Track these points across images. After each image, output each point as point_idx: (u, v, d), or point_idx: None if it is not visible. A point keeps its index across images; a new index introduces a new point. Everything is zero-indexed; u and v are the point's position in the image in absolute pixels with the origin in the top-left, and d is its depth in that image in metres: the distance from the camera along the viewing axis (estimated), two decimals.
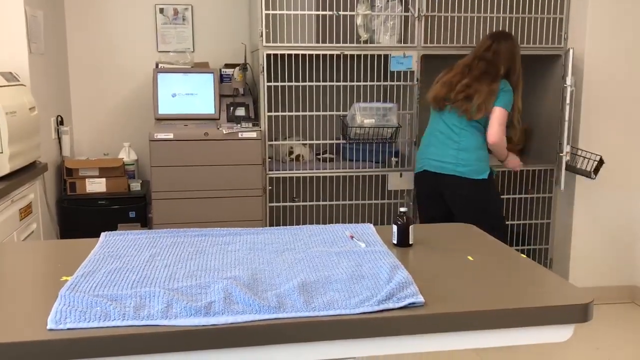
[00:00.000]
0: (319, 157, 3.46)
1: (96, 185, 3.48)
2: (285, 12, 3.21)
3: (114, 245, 1.58)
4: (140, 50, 3.88)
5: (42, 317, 1.14)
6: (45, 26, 3.35)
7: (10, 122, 2.55)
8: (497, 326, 1.23)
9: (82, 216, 3.44)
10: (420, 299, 1.24)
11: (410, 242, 1.62)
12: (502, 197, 3.61)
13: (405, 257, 1.56)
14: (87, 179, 3.47)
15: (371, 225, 1.80)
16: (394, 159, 3.38)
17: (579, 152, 3.37)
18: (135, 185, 3.57)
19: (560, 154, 3.42)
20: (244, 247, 1.58)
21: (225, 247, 1.58)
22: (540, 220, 3.62)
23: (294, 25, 3.23)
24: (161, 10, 3.87)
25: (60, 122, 3.58)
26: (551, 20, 3.42)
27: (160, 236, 1.66)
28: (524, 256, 1.58)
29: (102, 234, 1.68)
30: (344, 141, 3.36)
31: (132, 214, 3.47)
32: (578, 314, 1.25)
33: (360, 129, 3.25)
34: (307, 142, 3.41)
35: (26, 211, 2.78)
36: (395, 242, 1.62)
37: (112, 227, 3.40)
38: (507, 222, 3.69)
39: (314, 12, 3.29)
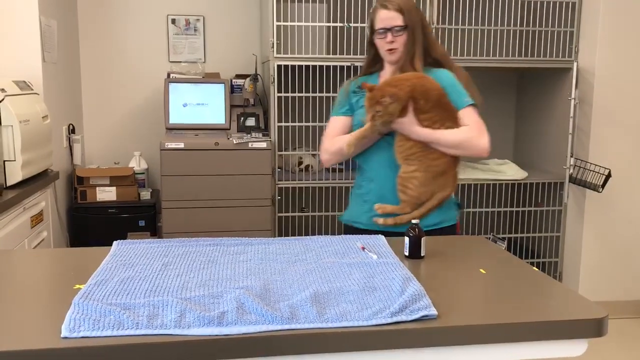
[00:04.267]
0: (328, 167, 3.47)
1: (106, 194, 3.50)
2: (296, 23, 3.23)
3: (126, 253, 1.58)
4: (152, 60, 3.91)
5: (55, 325, 1.14)
6: (58, 36, 3.38)
7: (23, 131, 2.57)
8: (510, 340, 1.23)
9: (92, 224, 3.45)
10: (433, 311, 1.24)
11: (422, 254, 1.62)
12: (512, 209, 3.61)
13: (417, 269, 1.56)
14: (97, 188, 3.49)
15: (382, 237, 1.80)
16: None
17: (588, 166, 3.36)
18: (145, 194, 3.58)
19: (564, 167, 3.42)
20: (255, 257, 1.58)
21: (236, 257, 1.58)
22: (550, 234, 3.61)
23: (304, 37, 3.25)
24: (173, 21, 3.91)
25: (71, 130, 3.60)
26: (561, 33, 3.42)
27: (172, 245, 1.66)
28: (537, 269, 1.58)
29: (115, 243, 1.69)
30: None
31: (141, 223, 3.48)
32: (593, 328, 1.24)
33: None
34: (317, 152, 3.41)
35: (37, 219, 2.80)
36: (407, 254, 1.62)
37: (122, 236, 3.40)
38: (517, 235, 3.68)
39: (324, 24, 3.31)
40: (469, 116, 2.00)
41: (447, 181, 1.97)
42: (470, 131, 1.97)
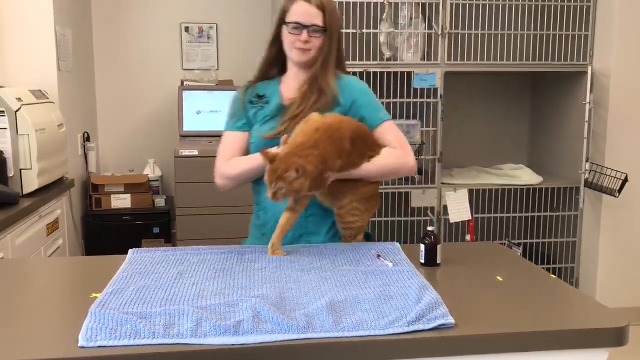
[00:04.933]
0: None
1: (121, 201, 3.52)
2: None
3: (141, 262, 1.59)
4: (166, 68, 3.93)
5: (72, 334, 1.14)
6: (73, 45, 3.42)
7: (39, 139, 2.60)
8: (529, 349, 1.21)
9: (107, 232, 3.47)
10: (450, 320, 1.23)
11: (438, 262, 1.60)
12: (527, 215, 3.58)
13: (433, 277, 1.55)
14: (112, 195, 3.51)
15: (397, 244, 1.79)
16: (417, 176, 3.36)
17: (604, 171, 3.32)
18: (160, 201, 3.60)
19: (580, 172, 3.39)
20: (270, 265, 1.58)
21: (251, 265, 1.57)
22: (566, 239, 3.57)
23: None
24: (187, 29, 3.93)
25: (86, 138, 3.63)
26: (576, 37, 3.40)
27: (187, 253, 1.66)
28: (555, 277, 1.56)
29: (130, 251, 1.69)
30: None
31: (156, 230, 3.50)
32: (614, 338, 1.22)
33: None
34: None
35: (53, 227, 2.82)
36: (422, 261, 1.61)
37: (137, 243, 3.43)
38: (532, 241, 3.65)
39: None
40: (389, 133, 1.82)
41: (376, 200, 1.84)
42: (394, 153, 1.79)
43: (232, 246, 1.74)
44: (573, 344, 1.22)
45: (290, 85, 1.90)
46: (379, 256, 1.64)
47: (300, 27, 1.78)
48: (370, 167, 1.75)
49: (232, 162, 1.84)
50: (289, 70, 1.90)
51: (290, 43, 1.81)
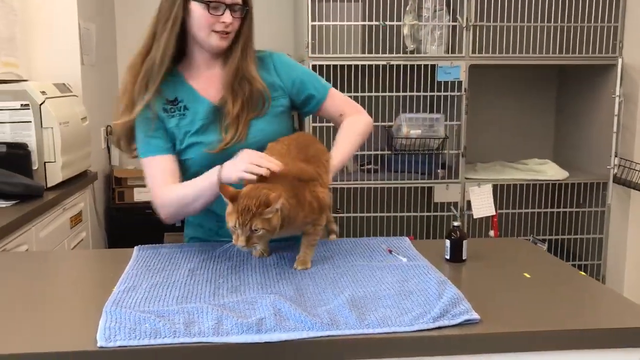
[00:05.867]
0: (363, 168, 3.43)
1: (143, 194, 3.53)
2: (331, 23, 3.20)
3: (149, 259, 1.56)
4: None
5: (93, 330, 1.13)
6: (97, 39, 3.43)
7: (63, 132, 2.61)
8: (558, 348, 1.18)
9: (129, 224, 3.49)
10: (475, 315, 1.20)
11: (463, 258, 1.57)
12: (552, 210, 3.51)
13: (458, 273, 1.52)
14: (134, 188, 3.53)
15: (407, 238, 1.75)
16: (440, 171, 3.32)
17: (633, 166, 3.25)
18: None
19: (608, 167, 3.31)
20: (282, 261, 1.55)
21: (263, 261, 1.54)
22: (592, 235, 3.50)
23: (339, 36, 3.22)
24: None
25: (109, 132, 3.65)
26: (605, 28, 3.31)
27: (195, 250, 1.63)
28: (583, 273, 1.52)
29: (136, 248, 1.66)
30: (389, 152, 3.32)
31: (177, 223, 3.50)
32: None
33: (406, 139, 3.21)
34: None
35: (76, 219, 2.84)
36: (447, 257, 1.58)
37: (159, 236, 3.44)
38: (557, 237, 3.59)
39: (360, 23, 3.27)
40: (336, 98, 1.68)
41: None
42: (356, 122, 1.66)
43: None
44: (604, 343, 1.19)
45: (203, 79, 1.60)
46: (390, 251, 1.62)
47: (220, 6, 1.49)
48: (346, 149, 1.62)
49: (171, 189, 1.54)
50: (192, 60, 1.59)
51: (208, 25, 1.50)
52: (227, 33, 1.54)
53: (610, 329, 1.19)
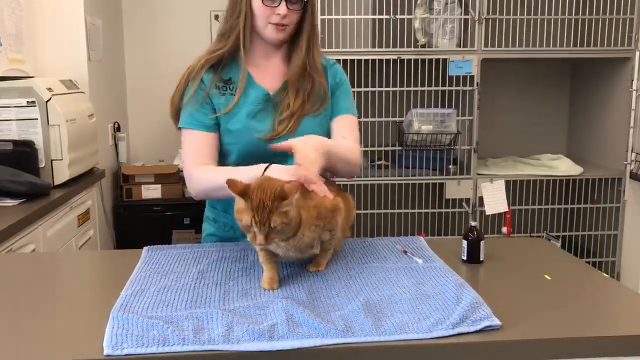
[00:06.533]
0: (373, 164, 3.38)
1: (151, 192, 3.50)
2: (341, 16, 3.15)
3: (158, 260, 1.52)
4: (196, 56, 3.89)
5: (100, 337, 1.09)
6: (103, 34, 3.40)
7: (70, 129, 2.58)
8: (584, 355, 1.13)
9: (137, 222, 3.46)
10: (496, 321, 1.15)
11: (481, 259, 1.53)
12: (566, 206, 3.45)
13: (476, 274, 1.47)
14: (142, 185, 3.49)
15: (421, 238, 1.70)
16: (452, 167, 3.27)
17: None
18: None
19: (624, 162, 3.25)
20: (293, 262, 1.51)
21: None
22: (607, 232, 3.44)
23: (349, 30, 3.17)
24: (216, 17, 3.88)
25: (117, 128, 3.62)
26: (620, 21, 3.24)
27: (205, 251, 1.59)
28: (607, 275, 1.47)
29: (144, 249, 1.62)
30: (400, 148, 3.27)
31: (186, 221, 3.47)
32: None
33: (418, 135, 3.16)
34: (362, 148, 3.33)
35: (84, 217, 2.81)
36: (464, 258, 1.53)
37: (167, 233, 3.41)
38: (571, 233, 3.52)
39: (370, 17, 3.22)
40: (352, 127, 1.66)
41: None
42: (356, 150, 1.64)
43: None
44: (632, 350, 1.14)
45: (263, 68, 1.62)
46: (405, 252, 1.57)
47: None
48: (341, 150, 1.56)
49: (208, 171, 1.53)
50: (254, 49, 1.60)
51: (265, 17, 1.51)
52: (283, 25, 1.53)
53: (638, 335, 1.14)
